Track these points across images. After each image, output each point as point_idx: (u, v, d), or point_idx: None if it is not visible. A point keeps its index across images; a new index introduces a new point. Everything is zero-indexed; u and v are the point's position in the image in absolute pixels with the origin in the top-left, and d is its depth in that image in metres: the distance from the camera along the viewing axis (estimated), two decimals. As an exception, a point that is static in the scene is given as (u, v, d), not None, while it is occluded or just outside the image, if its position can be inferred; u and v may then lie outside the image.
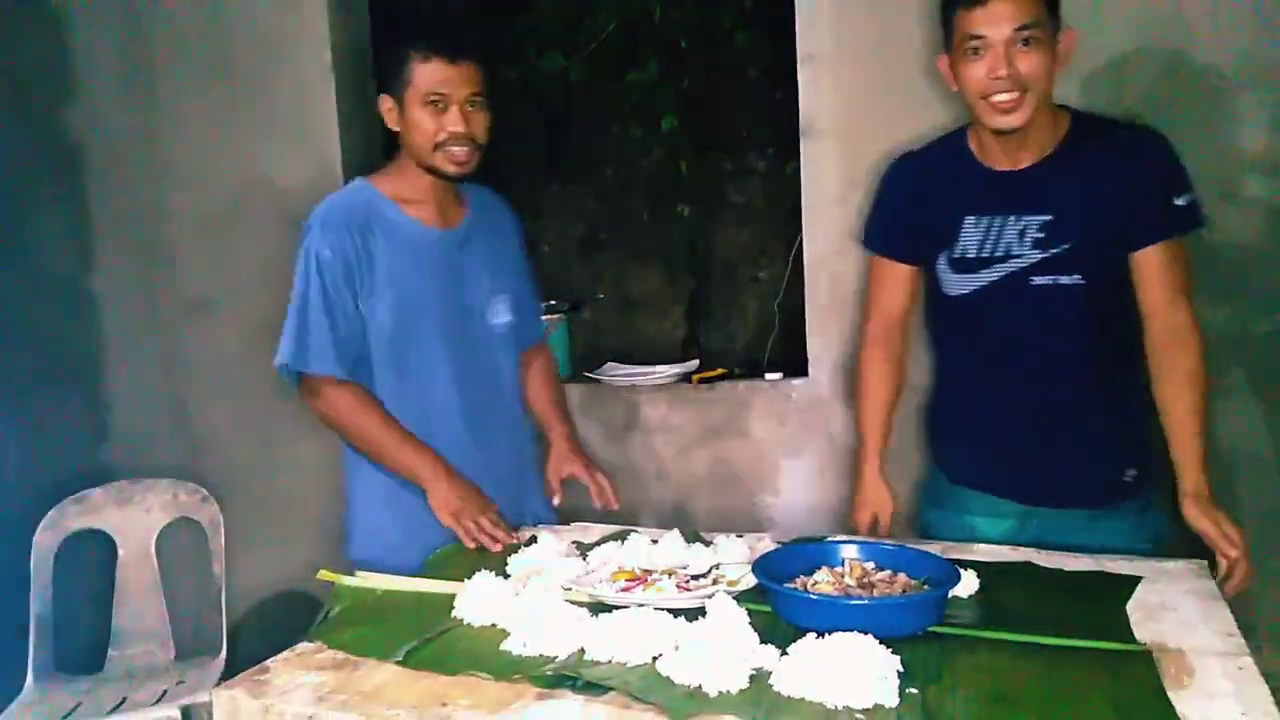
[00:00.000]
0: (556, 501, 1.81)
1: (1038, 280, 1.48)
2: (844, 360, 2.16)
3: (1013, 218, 1.49)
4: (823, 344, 2.18)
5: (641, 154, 2.82)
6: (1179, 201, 1.44)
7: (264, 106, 2.50)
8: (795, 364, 2.32)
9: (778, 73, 2.51)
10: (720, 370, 2.52)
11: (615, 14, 2.66)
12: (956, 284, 1.55)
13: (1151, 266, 1.47)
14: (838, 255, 2.11)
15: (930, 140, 1.65)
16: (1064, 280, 1.47)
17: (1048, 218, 1.46)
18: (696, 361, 2.65)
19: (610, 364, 2.68)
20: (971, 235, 1.52)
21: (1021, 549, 1.38)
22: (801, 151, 2.13)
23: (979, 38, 1.39)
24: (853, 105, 2.07)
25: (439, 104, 1.55)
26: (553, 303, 2.69)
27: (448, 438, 1.65)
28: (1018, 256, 1.49)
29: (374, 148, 2.65)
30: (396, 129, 1.62)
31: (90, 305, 2.71)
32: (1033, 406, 1.54)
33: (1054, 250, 1.47)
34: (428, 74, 1.54)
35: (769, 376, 2.33)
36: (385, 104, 1.61)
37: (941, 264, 1.56)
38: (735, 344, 2.78)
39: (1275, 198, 1.84)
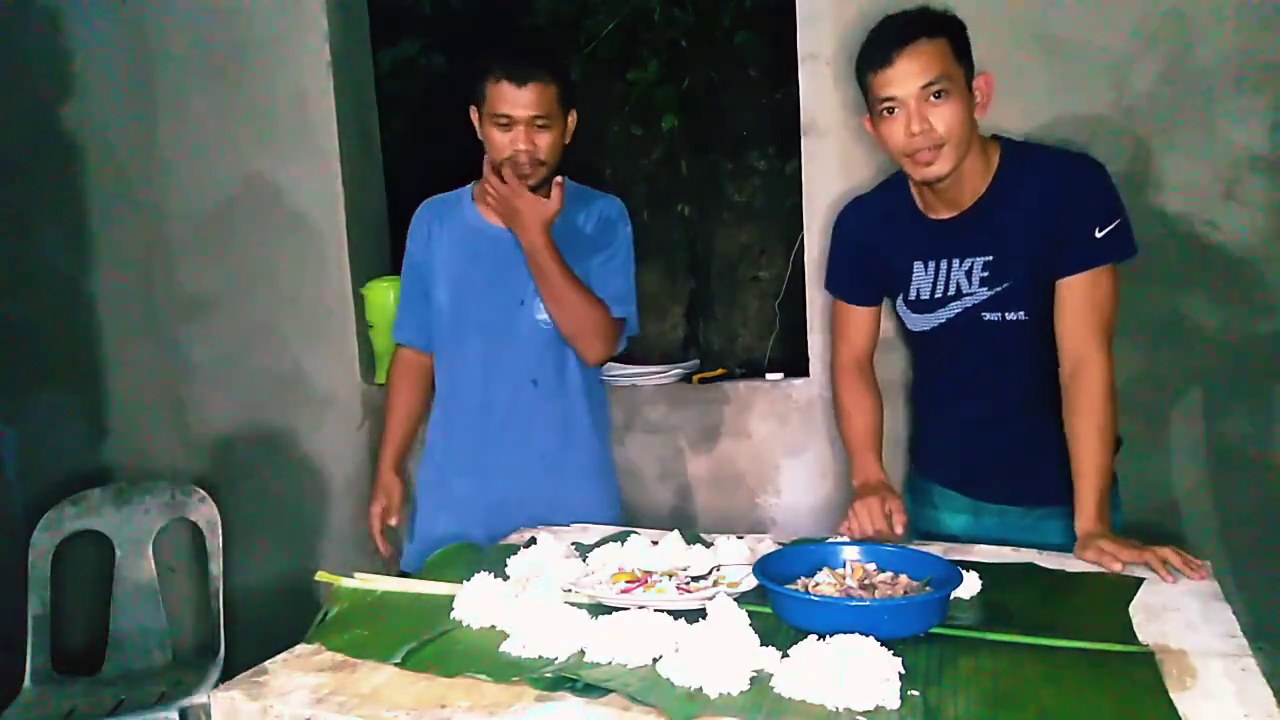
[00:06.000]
0: None
1: (989, 316, 1.54)
2: (844, 360, 2.15)
3: (958, 260, 1.54)
4: (823, 343, 2.17)
5: (642, 153, 2.81)
6: (1100, 233, 1.43)
7: (263, 106, 2.50)
8: (796, 364, 2.31)
9: (778, 72, 2.51)
10: (721, 370, 2.51)
11: (615, 14, 2.65)
12: (917, 322, 1.63)
13: (1068, 295, 1.46)
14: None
15: (879, 182, 1.70)
16: (1011, 316, 1.52)
17: (990, 258, 1.51)
18: (697, 361, 2.65)
19: (611, 364, 2.67)
20: (923, 279, 1.58)
21: (1022, 550, 1.38)
22: (802, 150, 2.13)
23: (891, 99, 1.42)
24: (853, 104, 2.06)
25: (506, 124, 1.63)
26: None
27: (466, 423, 1.76)
28: (970, 294, 1.54)
29: (373, 147, 2.65)
30: (481, 139, 1.71)
31: (88, 305, 2.71)
32: (984, 421, 1.62)
33: (999, 288, 1.51)
34: (497, 95, 1.62)
35: (770, 376, 2.33)
36: (474, 115, 1.71)
37: (901, 305, 1.65)
38: (736, 344, 2.78)
39: (1276, 197, 1.83)
